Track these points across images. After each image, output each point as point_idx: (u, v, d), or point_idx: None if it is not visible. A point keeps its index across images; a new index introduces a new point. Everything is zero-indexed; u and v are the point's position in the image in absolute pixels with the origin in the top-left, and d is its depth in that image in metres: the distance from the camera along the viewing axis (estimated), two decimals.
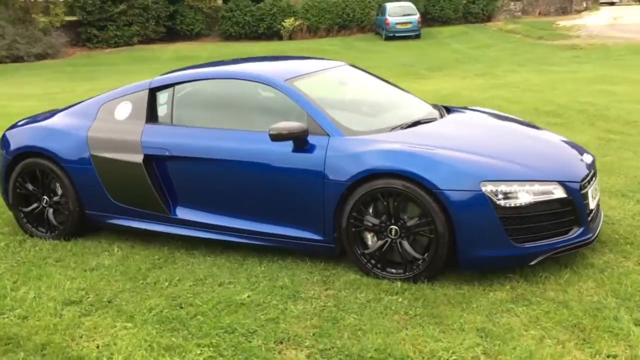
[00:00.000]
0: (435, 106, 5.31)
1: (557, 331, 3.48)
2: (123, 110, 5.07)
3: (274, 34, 32.05)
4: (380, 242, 4.20)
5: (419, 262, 4.09)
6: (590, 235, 4.20)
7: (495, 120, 5.32)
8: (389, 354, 3.31)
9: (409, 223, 4.09)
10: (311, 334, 3.55)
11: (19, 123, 5.74)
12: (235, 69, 5.25)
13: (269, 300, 3.98)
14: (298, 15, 31.96)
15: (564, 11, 38.59)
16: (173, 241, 5.00)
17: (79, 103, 5.57)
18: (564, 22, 32.82)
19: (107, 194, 5.01)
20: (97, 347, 3.52)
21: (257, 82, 4.80)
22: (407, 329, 3.58)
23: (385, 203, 4.13)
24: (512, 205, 3.94)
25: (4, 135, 5.56)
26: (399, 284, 4.08)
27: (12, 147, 5.34)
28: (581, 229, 4.12)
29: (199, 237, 4.80)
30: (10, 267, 4.70)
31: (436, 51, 24.29)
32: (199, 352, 3.41)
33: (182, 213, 4.83)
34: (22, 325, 3.77)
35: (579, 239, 4.12)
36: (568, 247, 4.10)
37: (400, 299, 3.90)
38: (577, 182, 4.14)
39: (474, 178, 3.97)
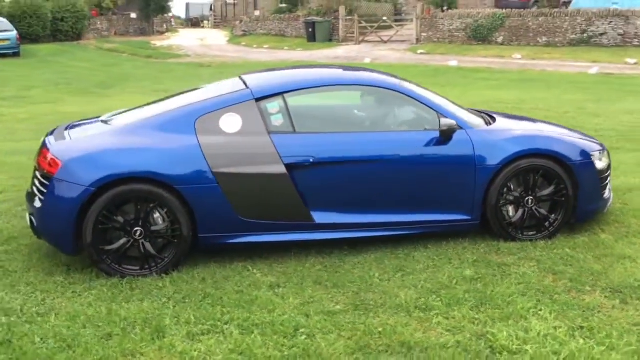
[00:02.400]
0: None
1: None
2: (231, 122, 4.74)
3: None
4: (520, 212, 5.10)
5: (551, 221, 5.14)
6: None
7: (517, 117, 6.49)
8: None
9: (544, 192, 5.10)
10: None
11: (75, 149, 4.68)
12: (347, 75, 5.39)
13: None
14: None
15: (143, 32, 40.31)
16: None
17: (134, 119, 4.92)
18: (157, 42, 34.57)
19: (233, 212, 4.62)
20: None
21: (381, 87, 5.18)
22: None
23: (525, 178, 5.05)
24: (599, 168, 5.33)
25: (67, 164, 4.47)
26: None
27: (94, 175, 4.41)
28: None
29: (338, 238, 4.86)
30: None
31: (67, 69, 23.28)
32: None
33: (321, 217, 4.81)
34: None
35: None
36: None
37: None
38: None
39: (587, 151, 5.23)
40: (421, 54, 25.92)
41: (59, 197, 4.51)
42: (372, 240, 4.97)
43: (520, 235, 5.09)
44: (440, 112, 5.03)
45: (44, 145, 4.79)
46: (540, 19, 25.23)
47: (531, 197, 5.08)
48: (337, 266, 4.69)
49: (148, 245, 4.55)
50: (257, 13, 40.93)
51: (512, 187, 5.07)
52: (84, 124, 5.33)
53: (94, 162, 4.55)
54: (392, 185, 4.91)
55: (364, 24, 30.57)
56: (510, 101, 13.36)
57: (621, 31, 23.53)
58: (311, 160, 4.72)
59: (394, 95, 5.12)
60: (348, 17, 31.17)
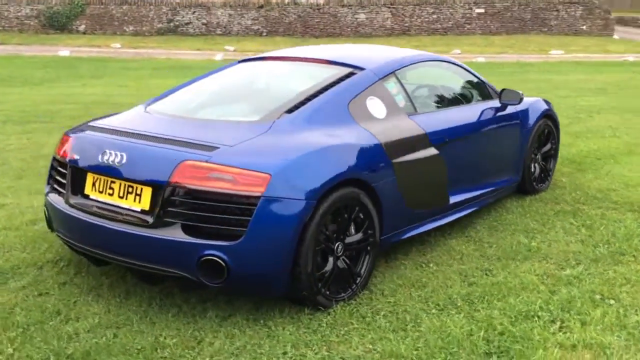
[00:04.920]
0: None
1: None
2: (376, 106, 4.09)
3: None
4: (538, 168, 5.65)
5: (549, 171, 5.84)
6: None
7: None
8: None
9: (546, 148, 5.76)
10: None
11: (273, 156, 3.41)
12: (420, 53, 4.96)
13: None
14: None
15: None
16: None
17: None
18: None
19: (404, 205, 4.02)
20: None
21: (452, 64, 5.11)
22: None
23: (540, 138, 5.62)
24: None
25: (278, 176, 3.24)
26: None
27: (313, 183, 3.34)
28: None
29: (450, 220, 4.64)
30: None
31: None
32: None
33: (453, 198, 4.54)
34: None
35: None
36: None
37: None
38: None
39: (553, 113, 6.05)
40: None
41: (275, 220, 3.22)
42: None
43: (536, 186, 5.62)
44: (486, 83, 5.19)
45: (206, 161, 3.28)
46: (125, 7, 24.85)
47: (541, 154, 5.68)
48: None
49: (347, 262, 3.62)
50: None
51: (537, 145, 5.58)
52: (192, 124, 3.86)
53: (307, 168, 3.40)
54: (486, 156, 4.93)
55: None
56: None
57: (204, 21, 25.05)
58: (446, 140, 4.38)
59: (456, 69, 5.07)
60: None
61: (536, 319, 3.39)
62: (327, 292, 3.49)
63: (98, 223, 3.49)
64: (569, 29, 25.85)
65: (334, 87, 3.99)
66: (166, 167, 3.32)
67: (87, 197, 3.66)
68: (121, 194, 3.49)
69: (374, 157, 3.77)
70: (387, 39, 24.60)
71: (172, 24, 24.82)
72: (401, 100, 4.32)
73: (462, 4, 25.49)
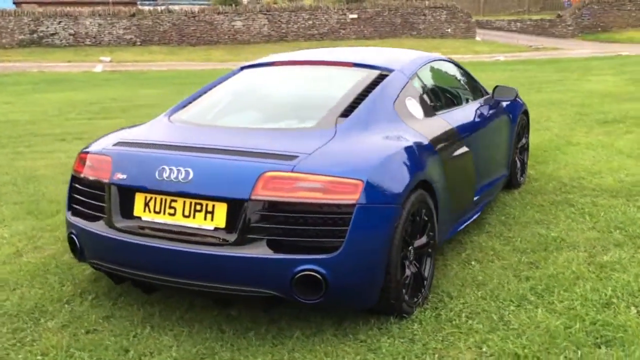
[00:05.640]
0: None
1: None
2: (413, 105, 4.04)
3: None
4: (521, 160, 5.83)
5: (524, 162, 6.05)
6: None
7: None
8: None
9: (523, 140, 5.95)
10: None
11: (363, 160, 3.24)
12: (426, 54, 4.85)
13: None
14: None
15: None
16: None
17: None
18: None
19: (451, 204, 3.98)
20: None
21: (453, 64, 5.12)
22: None
23: (519, 134, 5.80)
24: None
25: (370, 181, 3.06)
26: None
27: (398, 187, 3.21)
28: None
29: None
30: None
31: None
32: None
33: (476, 195, 4.56)
34: None
35: None
36: None
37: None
38: None
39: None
40: None
41: (371, 228, 3.06)
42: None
43: (519, 179, 5.80)
44: (478, 81, 5.28)
45: (286, 171, 3.04)
46: None
47: (518, 148, 5.87)
48: None
49: (417, 267, 3.50)
50: None
51: (517, 139, 5.75)
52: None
53: (391, 172, 3.27)
54: (492, 151, 5.00)
55: None
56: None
57: (72, 31, 23.67)
58: (468, 135, 4.41)
59: (456, 68, 5.12)
60: None
61: (614, 306, 3.46)
62: (407, 299, 3.36)
63: (163, 247, 3.12)
64: (435, 32, 27.17)
65: (375, 89, 3.85)
66: (245, 181, 3.04)
67: (137, 218, 3.27)
68: (186, 213, 3.15)
69: (431, 156, 3.67)
70: (264, 46, 24.56)
71: (35, 35, 23.24)
72: (427, 99, 4.27)
73: (336, 10, 26.00)
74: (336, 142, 3.32)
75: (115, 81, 16.20)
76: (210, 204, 3.11)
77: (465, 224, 4.37)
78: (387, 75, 4.03)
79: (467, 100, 4.93)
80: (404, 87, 4.00)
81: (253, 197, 3.01)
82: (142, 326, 3.29)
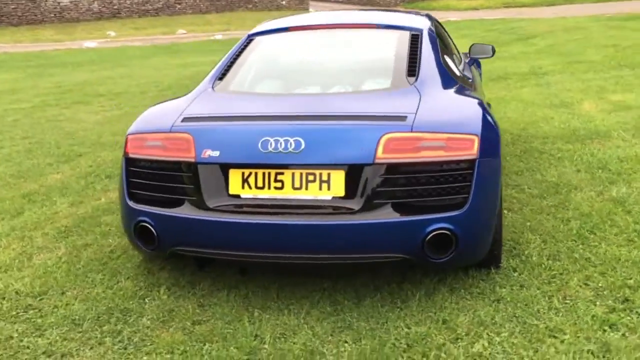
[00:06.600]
0: None
1: None
2: (451, 63, 4.14)
3: None
4: None
5: None
6: None
7: None
8: None
9: None
10: None
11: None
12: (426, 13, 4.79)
13: None
14: None
15: None
16: None
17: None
18: None
19: None
20: None
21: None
22: None
23: None
24: None
25: (482, 142, 3.03)
26: None
27: (496, 143, 3.23)
28: None
29: None
30: None
31: None
32: None
33: None
34: None
35: None
36: None
37: None
38: None
39: None
40: None
41: (489, 182, 3.10)
42: None
43: None
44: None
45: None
46: None
47: None
48: None
49: None
50: None
51: None
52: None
53: (489, 126, 3.24)
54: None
55: None
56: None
57: None
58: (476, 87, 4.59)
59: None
60: None
61: None
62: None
63: (272, 222, 2.89)
64: (271, 5, 27.21)
65: (423, 48, 3.77)
66: (366, 145, 2.89)
67: (234, 197, 2.97)
68: (297, 185, 2.92)
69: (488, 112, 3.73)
70: (97, 23, 23.08)
71: None
72: (453, 57, 4.34)
73: None
74: (428, 101, 3.24)
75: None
76: (325, 172, 2.91)
77: None
78: (419, 35, 3.97)
79: (463, 60, 5.03)
80: (438, 45, 3.99)
81: (377, 161, 2.86)
82: (246, 310, 3.05)
